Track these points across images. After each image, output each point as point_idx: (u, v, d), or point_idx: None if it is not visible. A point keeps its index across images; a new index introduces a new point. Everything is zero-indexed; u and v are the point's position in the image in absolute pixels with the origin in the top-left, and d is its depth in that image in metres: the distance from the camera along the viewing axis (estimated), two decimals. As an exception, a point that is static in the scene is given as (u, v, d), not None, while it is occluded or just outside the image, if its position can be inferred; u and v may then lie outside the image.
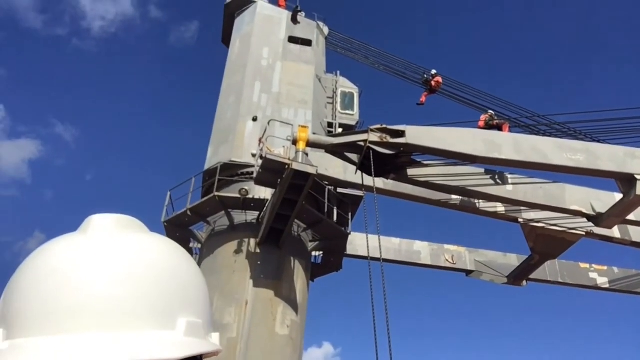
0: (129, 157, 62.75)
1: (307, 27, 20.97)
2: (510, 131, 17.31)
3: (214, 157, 16.77)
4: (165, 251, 1.04)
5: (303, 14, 21.26)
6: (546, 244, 14.54)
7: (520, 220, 14.22)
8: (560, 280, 18.55)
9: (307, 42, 20.28)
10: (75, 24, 58.41)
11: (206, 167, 16.75)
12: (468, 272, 18.50)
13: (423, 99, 21.56)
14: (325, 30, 22.27)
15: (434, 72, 21.53)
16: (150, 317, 0.93)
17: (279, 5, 21.77)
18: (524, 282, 18.13)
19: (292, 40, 20.07)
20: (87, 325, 0.87)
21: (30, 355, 0.85)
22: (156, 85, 64.93)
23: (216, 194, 14.57)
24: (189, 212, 15.03)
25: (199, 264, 15.45)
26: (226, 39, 22.33)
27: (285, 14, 20.95)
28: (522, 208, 13.82)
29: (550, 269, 18.27)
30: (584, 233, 13.98)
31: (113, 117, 63.35)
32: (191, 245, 16.70)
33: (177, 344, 0.94)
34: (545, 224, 14.06)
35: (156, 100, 65.07)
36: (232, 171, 15.88)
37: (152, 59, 64.23)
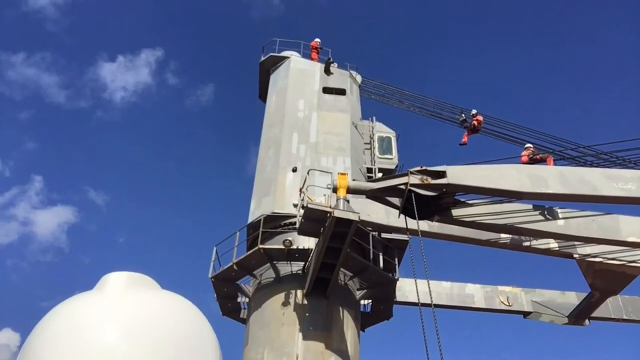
0: (159, 219, 64.64)
1: (340, 77, 21.42)
2: (555, 164, 16.85)
3: (256, 210, 16.95)
4: (176, 308, 1.05)
5: (335, 64, 21.79)
6: (606, 280, 13.86)
7: (575, 255, 13.64)
8: (625, 317, 17.54)
9: (341, 92, 20.66)
10: (97, 96, 62.64)
11: (250, 219, 16.91)
12: (526, 314, 17.70)
13: (465, 139, 21.21)
14: (358, 78, 22.68)
15: (474, 111, 21.18)
16: None
17: (312, 59, 22.52)
18: (587, 321, 17.20)
19: (327, 90, 20.49)
20: None
21: None
22: (178, 148, 67.76)
23: (260, 246, 14.62)
24: (235, 267, 15.08)
25: (248, 318, 15.37)
26: (263, 95, 23.04)
27: (319, 66, 21.54)
28: (577, 243, 13.29)
29: (613, 306, 17.32)
30: (645, 265, 13.28)
31: (141, 180, 66.25)
32: (239, 299, 16.68)
33: None
34: (603, 258, 13.44)
35: (183, 162, 67.73)
36: (275, 222, 15.97)
37: (172, 122, 68.00)
